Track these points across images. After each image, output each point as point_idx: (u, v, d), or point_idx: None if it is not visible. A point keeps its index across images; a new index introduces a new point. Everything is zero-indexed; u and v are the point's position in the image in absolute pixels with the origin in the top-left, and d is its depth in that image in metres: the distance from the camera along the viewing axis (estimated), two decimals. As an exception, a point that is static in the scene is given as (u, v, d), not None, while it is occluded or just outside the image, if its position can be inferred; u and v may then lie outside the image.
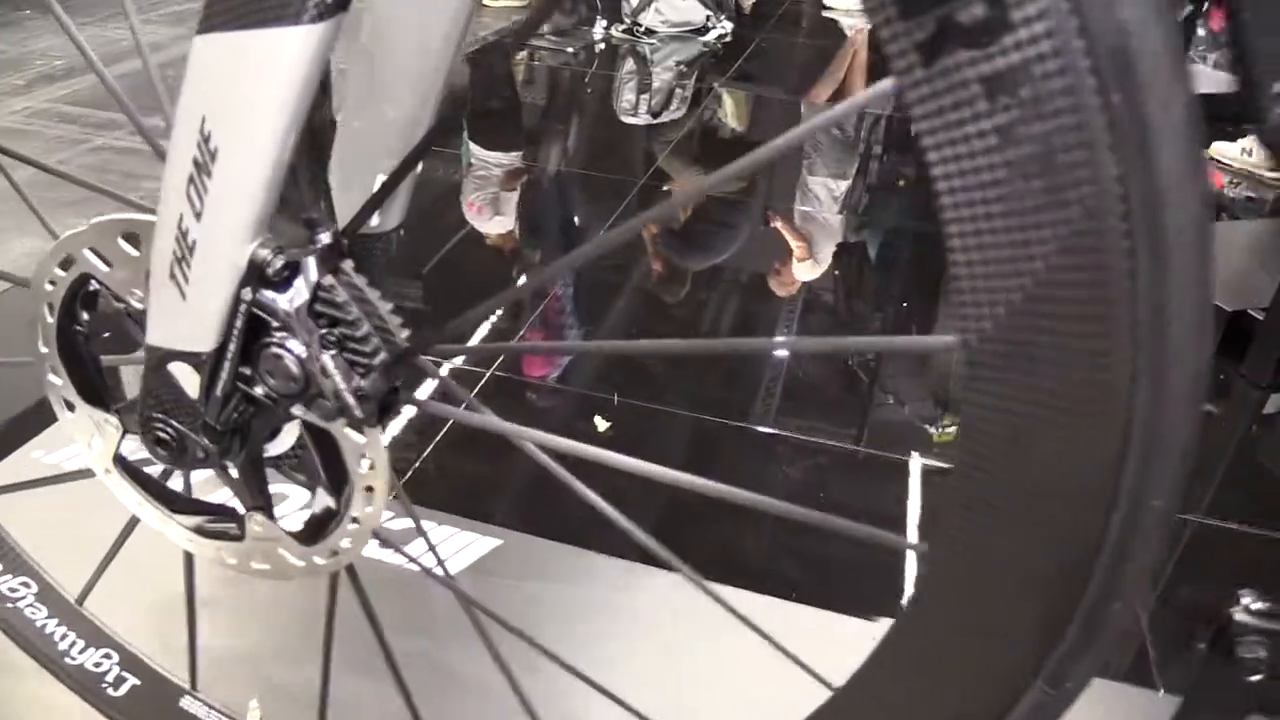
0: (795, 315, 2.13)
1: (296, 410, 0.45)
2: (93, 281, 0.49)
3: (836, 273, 2.36)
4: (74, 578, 0.77)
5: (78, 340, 0.52)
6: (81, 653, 0.77)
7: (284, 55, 0.37)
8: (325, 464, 0.50)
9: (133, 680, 0.77)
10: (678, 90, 3.38)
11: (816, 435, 1.57)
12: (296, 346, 0.42)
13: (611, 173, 2.70)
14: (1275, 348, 1.86)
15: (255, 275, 0.42)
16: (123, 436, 0.54)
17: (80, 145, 2.25)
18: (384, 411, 0.45)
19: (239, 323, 0.43)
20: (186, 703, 0.77)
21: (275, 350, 0.42)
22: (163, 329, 0.45)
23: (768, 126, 3.31)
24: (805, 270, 2.35)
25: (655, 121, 3.17)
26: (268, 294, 0.42)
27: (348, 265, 0.43)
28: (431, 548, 0.67)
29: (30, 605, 0.76)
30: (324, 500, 0.52)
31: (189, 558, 0.68)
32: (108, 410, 0.53)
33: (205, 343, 0.44)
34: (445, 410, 0.47)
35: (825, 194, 2.88)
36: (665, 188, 2.62)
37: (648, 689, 0.59)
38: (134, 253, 0.46)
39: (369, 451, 0.47)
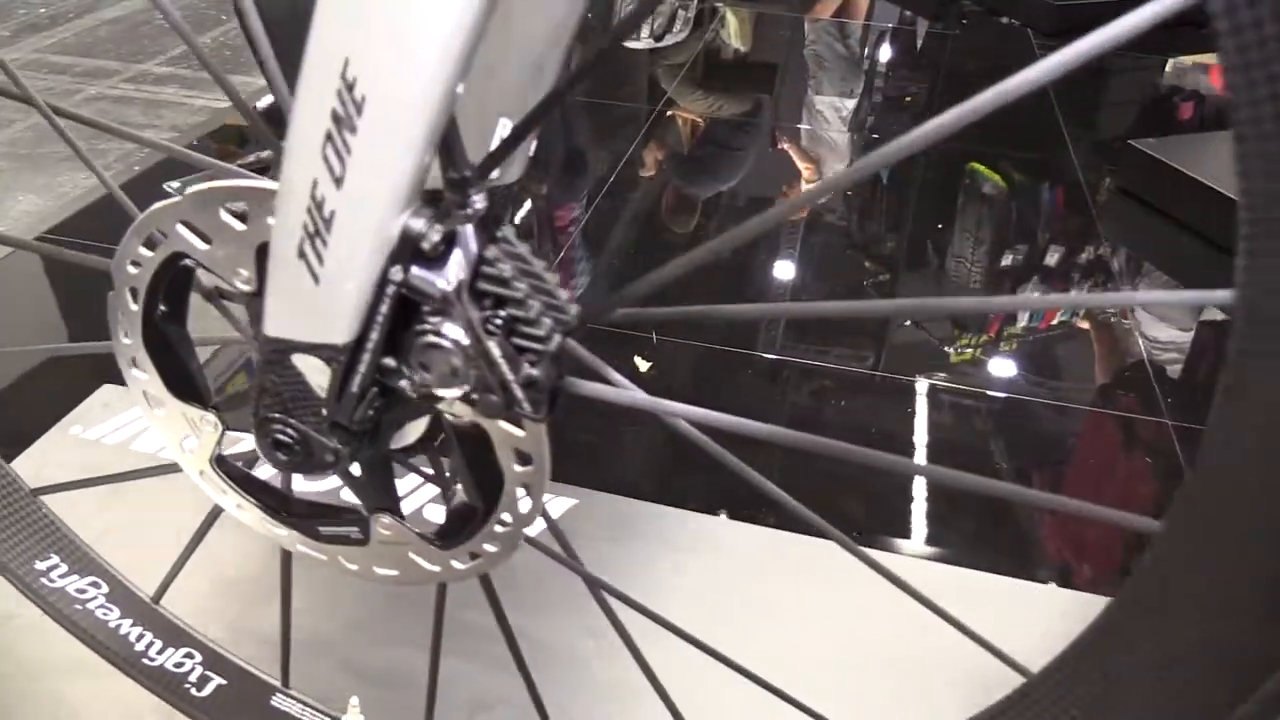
0: (798, 238, 2.08)
1: (450, 406, 0.39)
2: (187, 261, 0.42)
3: (849, 193, 2.30)
4: (146, 575, 0.71)
5: (167, 329, 0.45)
6: (160, 653, 0.72)
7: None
8: (470, 459, 0.43)
9: (218, 680, 0.72)
10: (680, 12, 3.24)
11: (837, 361, 1.55)
12: (457, 333, 0.35)
13: (617, 100, 2.59)
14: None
15: (408, 251, 0.35)
16: (222, 435, 0.47)
17: (74, 95, 2.13)
18: (552, 401, 0.38)
19: (385, 308, 0.36)
20: (279, 701, 0.71)
21: (431, 339, 0.35)
22: (286, 317, 0.38)
23: (773, 45, 3.19)
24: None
25: (658, 45, 3.05)
26: (421, 272, 0.35)
27: (508, 232, 0.36)
28: (550, 522, 0.61)
29: (101, 606, 0.70)
30: (463, 499, 0.45)
31: (286, 551, 0.62)
32: (205, 406, 0.46)
33: (341, 332, 0.37)
34: (603, 392, 0.41)
35: (832, 114, 2.78)
36: (671, 113, 2.53)
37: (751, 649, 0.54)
38: (240, 226, 0.39)
39: (528, 446, 0.41)
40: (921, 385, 1.50)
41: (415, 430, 0.46)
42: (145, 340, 0.45)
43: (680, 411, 0.42)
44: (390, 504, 0.46)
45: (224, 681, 0.72)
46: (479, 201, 0.36)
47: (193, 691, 0.72)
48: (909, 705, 0.87)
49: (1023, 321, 2.07)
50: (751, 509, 1.09)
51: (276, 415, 0.41)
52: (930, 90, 3.03)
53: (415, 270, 0.35)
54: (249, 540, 0.94)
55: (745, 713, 0.76)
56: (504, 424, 0.41)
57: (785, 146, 2.47)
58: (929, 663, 0.89)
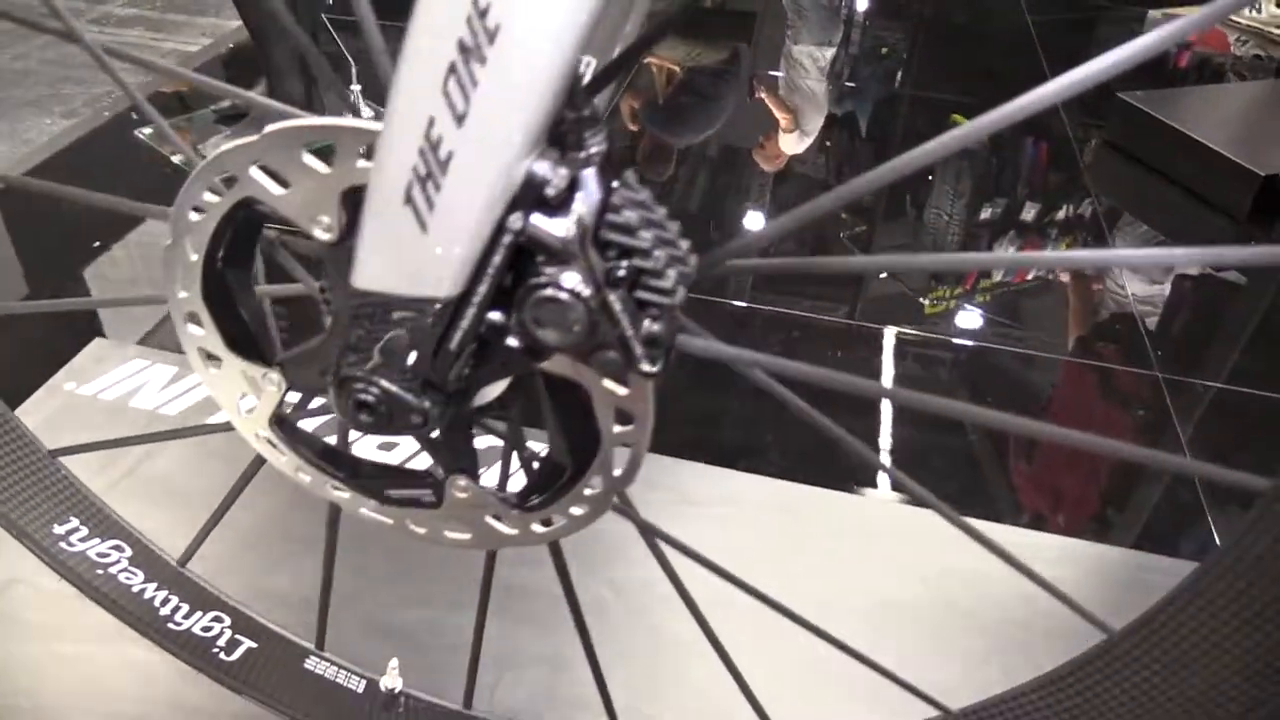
0: (768, 188, 2.07)
1: (555, 364, 0.37)
2: (257, 208, 0.39)
3: (827, 143, 2.29)
4: (169, 538, 0.69)
5: (230, 281, 0.42)
6: (187, 617, 0.69)
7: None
8: (564, 419, 0.41)
9: (249, 643, 0.69)
10: (659, -45, 3.16)
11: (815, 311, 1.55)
12: (580, 286, 0.33)
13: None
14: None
15: (531, 197, 0.32)
16: (285, 394, 0.44)
17: (33, 40, 2.02)
18: (666, 358, 0.36)
19: (498, 259, 0.33)
20: (312, 663, 0.69)
21: (549, 292, 0.33)
22: (382, 269, 0.35)
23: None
24: (792, 143, 2.28)
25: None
26: (543, 220, 0.32)
27: (630, 176, 0.34)
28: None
29: (125, 570, 0.67)
30: (548, 460, 0.43)
31: (334, 512, 0.59)
32: (268, 364, 0.43)
33: (447, 285, 0.34)
34: (717, 350, 0.39)
35: (810, 63, 2.75)
36: (647, 60, 2.48)
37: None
38: (324, 169, 0.36)
39: (632, 405, 0.39)
40: (889, 333, 1.51)
41: (496, 389, 0.43)
42: (204, 294, 0.42)
43: (793, 371, 0.40)
44: (469, 466, 0.44)
45: (254, 645, 0.69)
46: (599, 143, 0.33)
47: (221, 656, 0.70)
48: (989, 661, 0.87)
49: (998, 275, 2.09)
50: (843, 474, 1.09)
51: (361, 374, 0.38)
52: (910, 42, 3.01)
53: (537, 218, 0.32)
54: (265, 501, 0.91)
55: (798, 663, 0.76)
56: (608, 382, 0.38)
57: (762, 95, 2.45)
58: (1000, 619, 0.90)
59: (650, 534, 0.54)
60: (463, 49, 0.29)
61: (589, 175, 0.33)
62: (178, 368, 1.07)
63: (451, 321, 0.35)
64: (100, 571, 0.67)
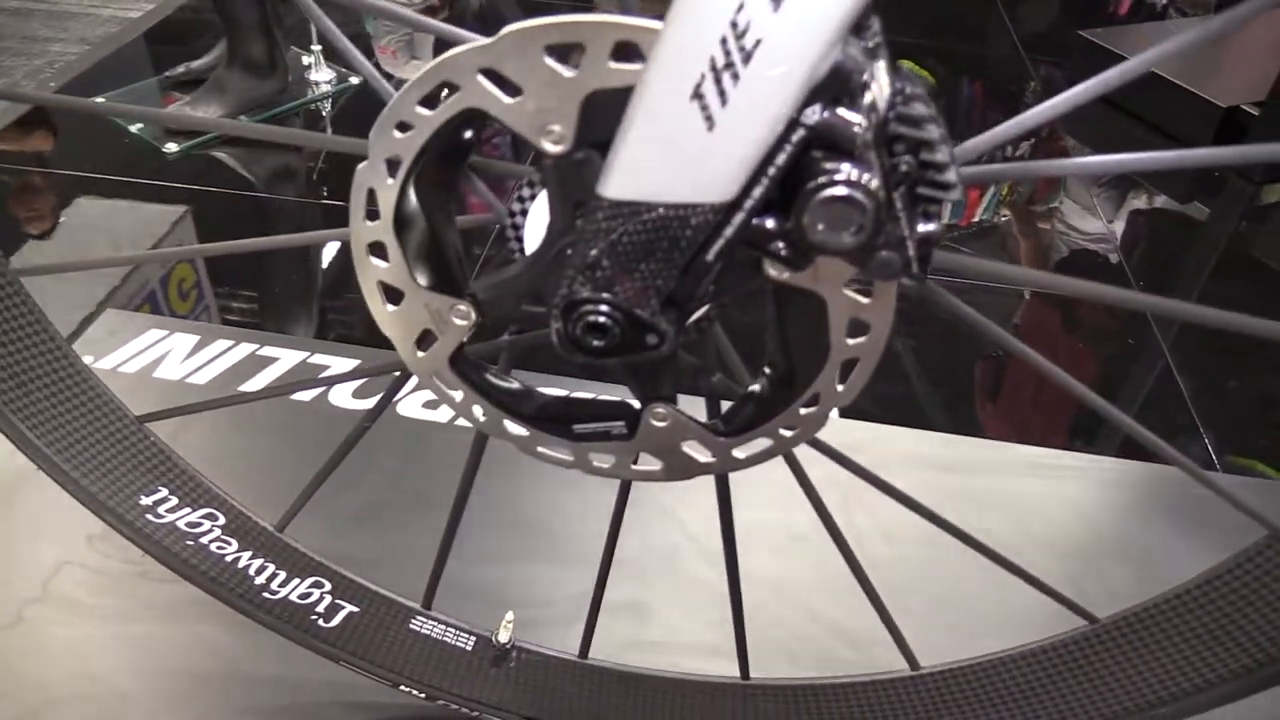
0: None
1: (802, 274, 0.35)
2: (472, 123, 0.36)
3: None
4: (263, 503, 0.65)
5: (432, 205, 0.39)
6: (284, 585, 0.66)
7: None
8: (788, 332, 0.40)
9: (350, 608, 0.67)
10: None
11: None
12: (871, 182, 0.31)
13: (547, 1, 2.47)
14: (1269, 141, 1.88)
15: (834, 88, 0.30)
16: (475, 327, 0.42)
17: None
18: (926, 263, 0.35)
19: (783, 157, 0.32)
20: (418, 624, 0.67)
21: (842, 191, 0.31)
22: (647, 174, 0.33)
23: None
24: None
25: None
26: (844, 112, 0.31)
27: (907, 66, 0.32)
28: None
29: (218, 540, 0.64)
30: (763, 378, 0.42)
31: (476, 452, 0.57)
32: (460, 295, 0.41)
33: (724, 189, 0.32)
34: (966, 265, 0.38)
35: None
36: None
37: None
38: (567, 73, 0.34)
39: (872, 315, 0.38)
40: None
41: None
42: (396, 221, 0.39)
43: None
44: (671, 393, 0.42)
45: (356, 609, 0.67)
46: (877, 33, 0.32)
47: (320, 623, 0.67)
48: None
49: (944, 219, 2.10)
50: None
51: (594, 295, 0.36)
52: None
53: (838, 111, 0.31)
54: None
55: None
56: (849, 291, 0.37)
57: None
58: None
59: (843, 460, 0.52)
60: (790, -78, 0.27)
61: (880, 66, 0.31)
62: (199, 336, 1.02)
63: (715, 229, 0.33)
64: (191, 543, 0.64)
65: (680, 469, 0.45)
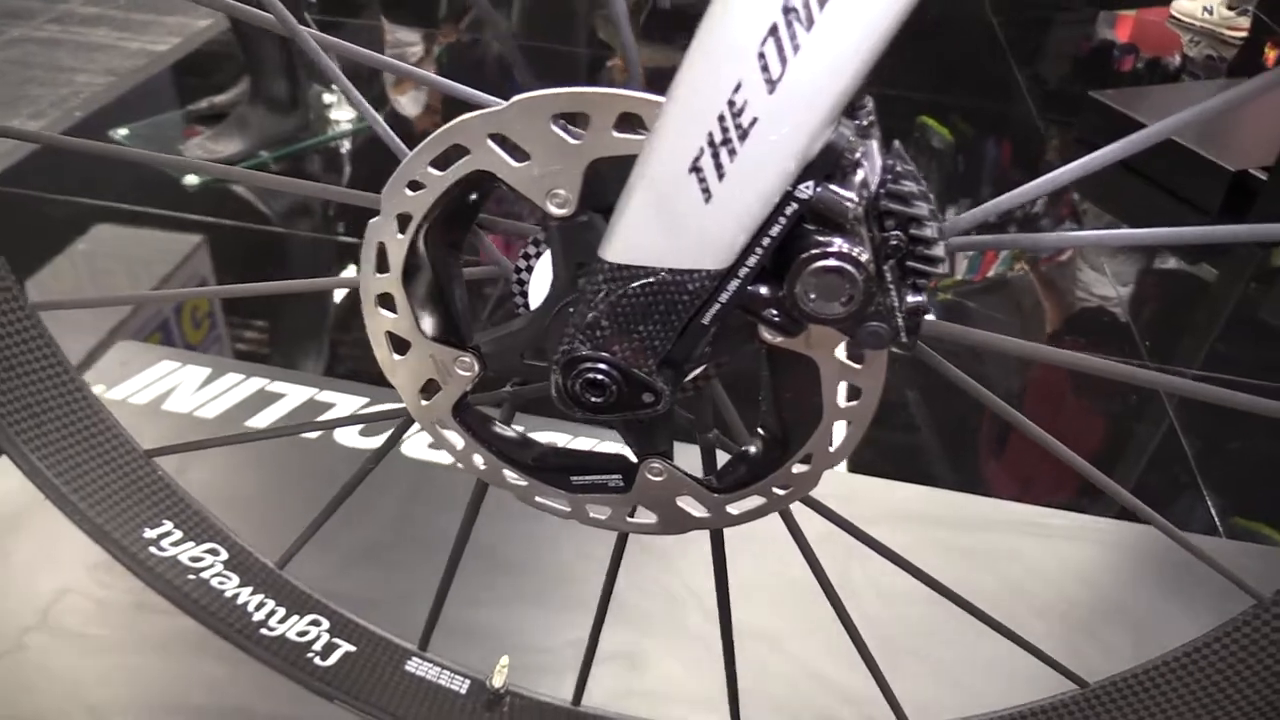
0: None
1: (795, 339, 0.36)
2: (480, 186, 0.37)
3: None
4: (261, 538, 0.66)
5: (435, 260, 0.41)
6: (282, 622, 0.67)
7: None
8: (781, 395, 0.41)
9: (346, 646, 0.67)
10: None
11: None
12: (861, 255, 0.33)
13: (557, 45, 2.53)
14: (1277, 206, 1.89)
15: (826, 165, 0.32)
16: (478, 378, 0.43)
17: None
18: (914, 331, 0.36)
19: (777, 229, 0.33)
20: (414, 665, 0.68)
21: (833, 263, 0.33)
22: (648, 242, 0.34)
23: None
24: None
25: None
26: (835, 189, 0.32)
27: (898, 146, 0.33)
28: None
29: (219, 575, 0.65)
30: (758, 439, 0.43)
31: (477, 496, 0.57)
32: (464, 347, 0.42)
33: (719, 258, 0.34)
34: (963, 334, 0.39)
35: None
36: (610, 63, 2.49)
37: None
38: (572, 140, 0.35)
39: (864, 380, 0.39)
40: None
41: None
42: (405, 274, 0.41)
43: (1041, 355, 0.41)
44: (668, 448, 0.43)
45: (353, 648, 0.67)
46: (870, 113, 0.33)
47: (315, 661, 0.67)
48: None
49: (960, 274, 2.13)
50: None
51: (593, 354, 0.37)
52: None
53: (828, 187, 0.32)
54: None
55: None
56: (840, 355, 0.38)
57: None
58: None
59: (837, 520, 0.53)
60: (787, 10, 0.29)
61: (873, 145, 0.32)
62: (210, 369, 1.04)
63: (711, 294, 0.35)
64: (192, 577, 0.65)
65: (675, 523, 0.45)
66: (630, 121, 0.34)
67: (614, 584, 0.61)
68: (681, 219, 0.33)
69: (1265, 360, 1.59)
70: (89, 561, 0.85)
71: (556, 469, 0.45)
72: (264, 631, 0.66)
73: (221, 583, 0.65)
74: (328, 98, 1.93)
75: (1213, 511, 1.19)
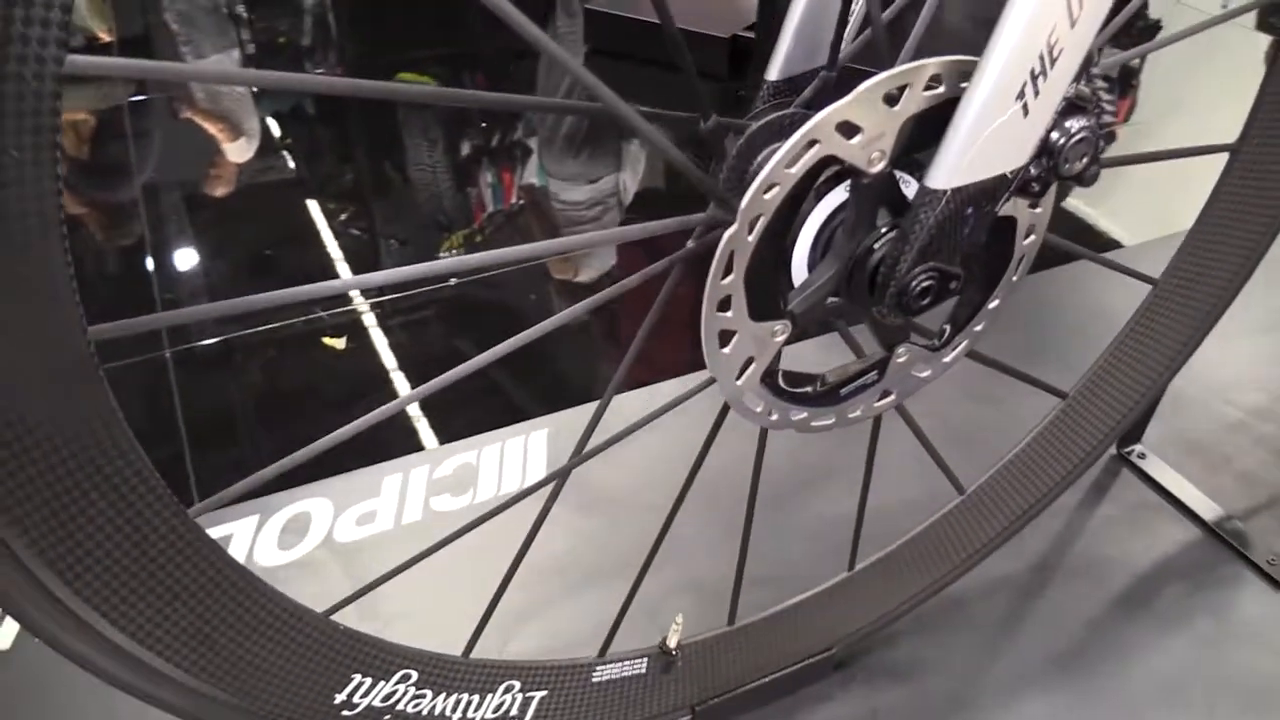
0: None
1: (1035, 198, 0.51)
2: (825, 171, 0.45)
3: (289, 141, 2.31)
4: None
5: (780, 247, 0.47)
6: (478, 709, 0.65)
7: None
8: (991, 252, 0.54)
9: (539, 694, 0.68)
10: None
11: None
12: (1094, 121, 0.48)
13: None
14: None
15: (1086, 69, 0.46)
16: (789, 337, 0.50)
17: None
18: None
19: (1054, 118, 0.46)
20: (600, 674, 0.70)
21: (1088, 134, 0.47)
22: (977, 163, 0.45)
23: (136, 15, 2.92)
24: (239, 151, 2.25)
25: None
26: (1095, 82, 0.46)
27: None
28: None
29: (413, 699, 0.61)
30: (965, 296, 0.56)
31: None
32: (780, 315, 0.49)
33: (1024, 156, 0.46)
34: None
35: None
36: None
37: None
38: (892, 109, 0.45)
39: (1039, 220, 0.54)
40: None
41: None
42: (748, 276, 0.46)
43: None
44: (909, 331, 0.55)
45: (545, 692, 0.68)
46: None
47: (516, 725, 0.67)
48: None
49: (490, 207, 2.37)
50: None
51: (930, 265, 0.48)
52: (308, 26, 3.05)
53: (1090, 82, 0.46)
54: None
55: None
56: (1028, 210, 0.53)
57: (189, 115, 2.37)
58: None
59: None
60: (1084, -28, 0.42)
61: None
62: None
63: (1010, 187, 0.47)
64: (388, 717, 0.60)
65: (909, 390, 0.58)
66: (935, 81, 0.45)
67: (757, 488, 0.69)
68: (1006, 134, 0.45)
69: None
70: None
71: (828, 392, 0.55)
72: (465, 729, 0.64)
73: (417, 704, 0.61)
74: None
75: None
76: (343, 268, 1.75)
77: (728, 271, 0.46)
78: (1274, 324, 1.25)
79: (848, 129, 0.44)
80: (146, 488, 0.43)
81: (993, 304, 0.57)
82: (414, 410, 1.22)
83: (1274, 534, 0.96)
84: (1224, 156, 0.76)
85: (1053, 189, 0.51)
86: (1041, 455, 0.82)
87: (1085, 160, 0.48)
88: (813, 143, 0.44)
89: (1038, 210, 0.54)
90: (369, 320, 1.53)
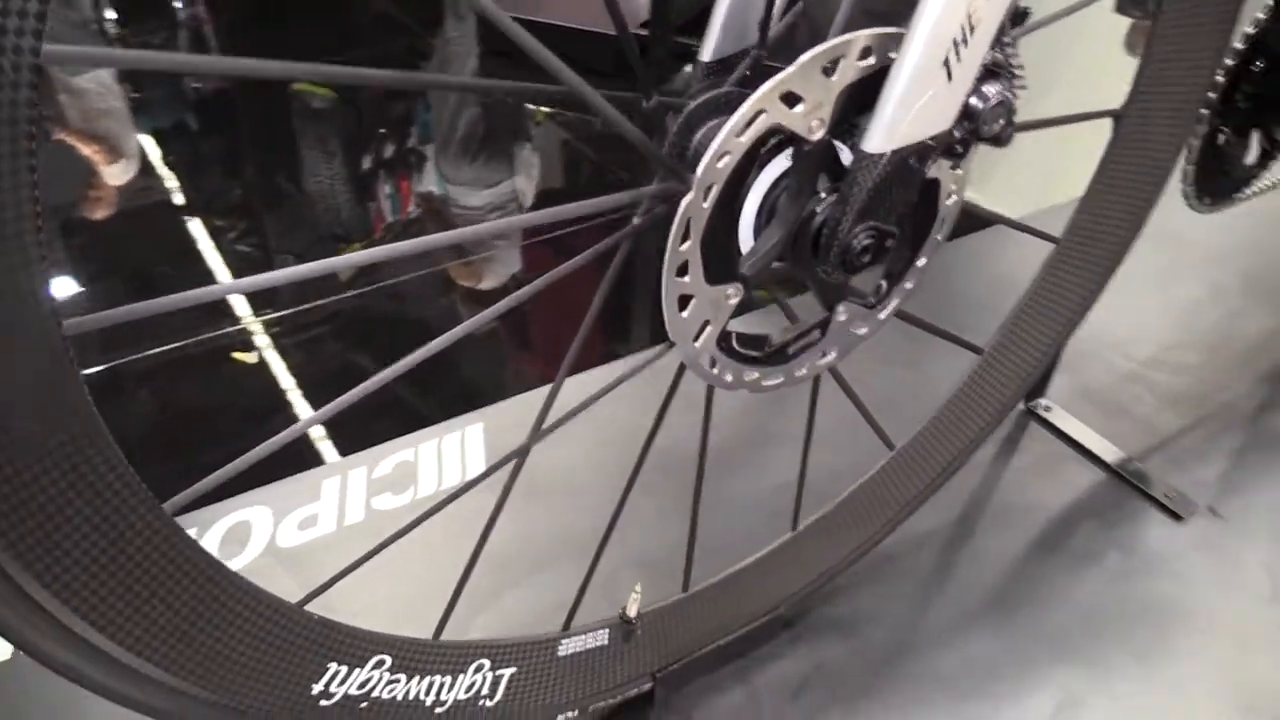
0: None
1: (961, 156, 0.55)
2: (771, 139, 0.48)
3: (171, 159, 2.27)
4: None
5: (729, 214, 0.49)
6: (451, 689, 0.66)
7: None
8: (916, 212, 0.58)
9: (509, 671, 0.69)
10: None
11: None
12: (1008, 85, 0.52)
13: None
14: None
15: (1003, 33, 0.50)
16: (741, 299, 0.53)
17: None
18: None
19: (974, 84, 0.50)
20: (564, 648, 0.72)
21: (1005, 97, 0.51)
22: (909, 127, 0.49)
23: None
24: (119, 173, 2.20)
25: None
26: (1007, 49, 0.50)
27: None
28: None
29: (388, 684, 0.61)
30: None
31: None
32: (733, 278, 0.52)
33: (949, 118, 0.50)
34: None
35: (96, 85, 2.64)
36: None
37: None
38: (830, 79, 0.48)
39: (959, 182, 0.58)
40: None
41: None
42: (707, 239, 0.49)
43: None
44: (847, 290, 0.58)
45: (514, 669, 0.69)
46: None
47: (487, 704, 0.69)
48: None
49: (389, 217, 2.38)
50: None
51: (869, 224, 0.51)
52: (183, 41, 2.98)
53: (1001, 46, 0.50)
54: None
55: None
56: (951, 171, 0.57)
57: (62, 136, 2.30)
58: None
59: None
60: (997, -55, 0.46)
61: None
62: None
63: (937, 150, 0.51)
64: (365, 704, 0.60)
65: (848, 347, 0.61)
66: (866, 52, 0.48)
67: (705, 450, 0.72)
68: (933, 99, 0.49)
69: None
70: None
71: (779, 352, 0.58)
72: (439, 710, 0.65)
73: (392, 689, 0.62)
74: None
75: None
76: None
77: (685, 238, 0.48)
78: (1161, 283, 1.35)
79: (790, 98, 0.47)
80: (122, 482, 0.42)
81: (920, 262, 0.61)
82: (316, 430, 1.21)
83: (1170, 471, 1.05)
84: (1103, 135, 0.82)
85: (973, 150, 0.55)
86: (962, 409, 0.87)
87: (1002, 123, 0.53)
88: (760, 112, 0.47)
89: (958, 172, 0.58)
90: (262, 341, 1.52)
